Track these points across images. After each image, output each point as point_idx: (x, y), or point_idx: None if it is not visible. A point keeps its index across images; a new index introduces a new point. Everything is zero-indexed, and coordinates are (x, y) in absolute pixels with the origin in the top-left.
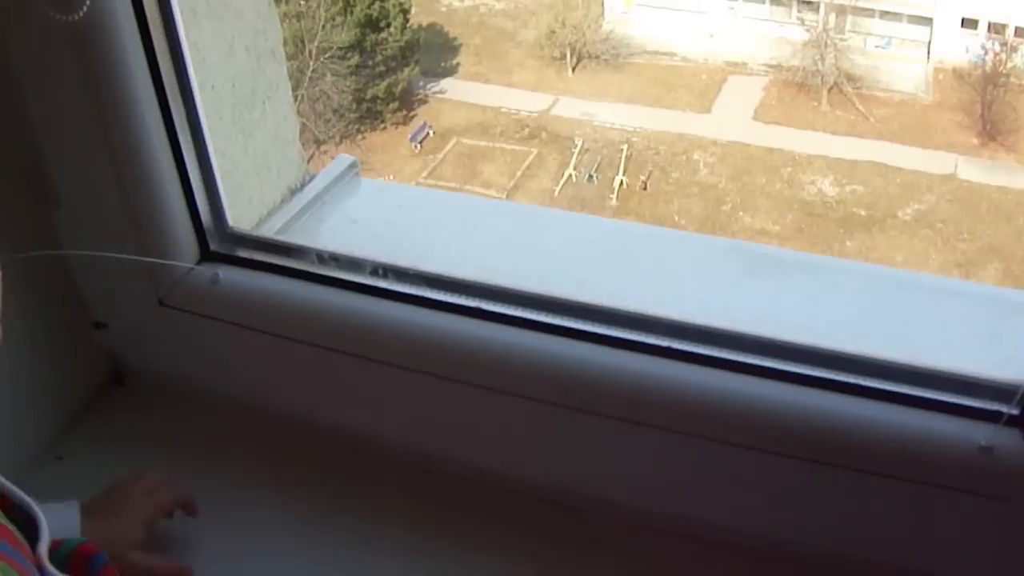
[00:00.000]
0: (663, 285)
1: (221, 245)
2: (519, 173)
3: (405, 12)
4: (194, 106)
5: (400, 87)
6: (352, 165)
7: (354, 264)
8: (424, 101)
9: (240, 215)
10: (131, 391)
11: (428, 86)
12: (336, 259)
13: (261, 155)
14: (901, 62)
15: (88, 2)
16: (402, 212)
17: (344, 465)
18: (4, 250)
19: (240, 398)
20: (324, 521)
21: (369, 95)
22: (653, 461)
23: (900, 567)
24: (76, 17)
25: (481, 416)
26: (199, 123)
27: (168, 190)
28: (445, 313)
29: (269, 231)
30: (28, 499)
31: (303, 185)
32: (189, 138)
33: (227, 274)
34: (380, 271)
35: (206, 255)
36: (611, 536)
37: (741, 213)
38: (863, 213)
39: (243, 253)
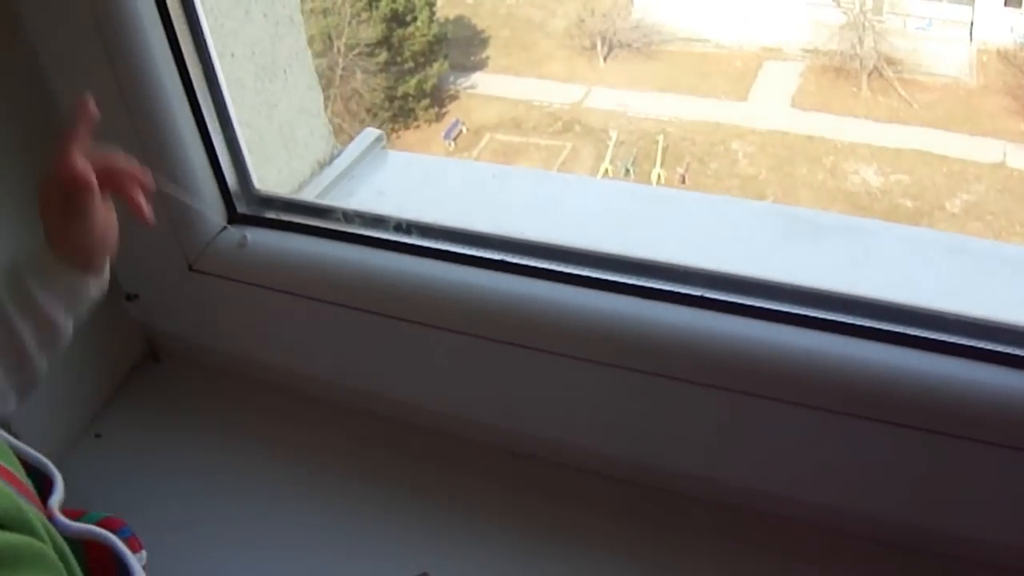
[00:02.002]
0: (702, 245)
1: (248, 207)
2: (554, 169)
3: (431, 5)
4: (214, 72)
5: (430, 83)
6: (379, 139)
7: (378, 221)
8: (455, 97)
9: (270, 188)
10: (167, 368)
11: (458, 81)
12: (360, 216)
13: (287, 127)
14: (943, 44)
15: None
16: (430, 183)
17: (382, 434)
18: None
19: (270, 363)
20: (363, 491)
21: (400, 92)
22: (715, 424)
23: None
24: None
25: (516, 375)
26: (219, 88)
27: (191, 155)
28: (476, 268)
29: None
30: (43, 459)
31: (331, 159)
32: (210, 103)
33: (255, 236)
34: (403, 227)
35: (234, 218)
36: (664, 502)
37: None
38: (909, 204)
39: (270, 215)
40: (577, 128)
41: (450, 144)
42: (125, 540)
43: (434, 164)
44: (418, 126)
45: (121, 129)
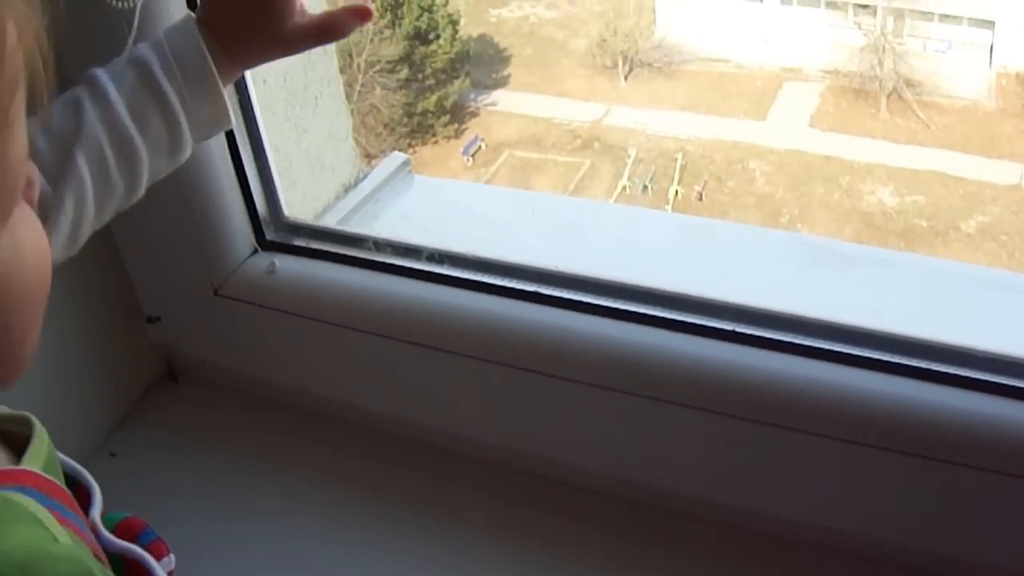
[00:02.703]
0: (722, 273)
1: (277, 234)
2: (572, 185)
3: (454, 24)
4: (248, 97)
5: (450, 100)
6: (405, 163)
7: (410, 251)
8: (475, 114)
9: (294, 211)
10: (185, 388)
11: (479, 98)
12: (392, 246)
13: (315, 151)
14: (962, 67)
15: None
16: (456, 208)
17: (406, 459)
18: None
19: (296, 389)
20: (389, 517)
21: (419, 109)
22: (727, 451)
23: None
24: (131, 5)
25: (546, 404)
26: (253, 114)
27: (223, 180)
28: (505, 299)
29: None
30: (80, 468)
31: (357, 182)
32: (243, 129)
33: (283, 263)
34: (437, 257)
35: (262, 244)
36: (686, 532)
37: (799, 224)
38: (925, 225)
39: (299, 242)
40: (596, 146)
41: (468, 160)
42: (150, 543)
43: (461, 189)
44: (436, 142)
45: None
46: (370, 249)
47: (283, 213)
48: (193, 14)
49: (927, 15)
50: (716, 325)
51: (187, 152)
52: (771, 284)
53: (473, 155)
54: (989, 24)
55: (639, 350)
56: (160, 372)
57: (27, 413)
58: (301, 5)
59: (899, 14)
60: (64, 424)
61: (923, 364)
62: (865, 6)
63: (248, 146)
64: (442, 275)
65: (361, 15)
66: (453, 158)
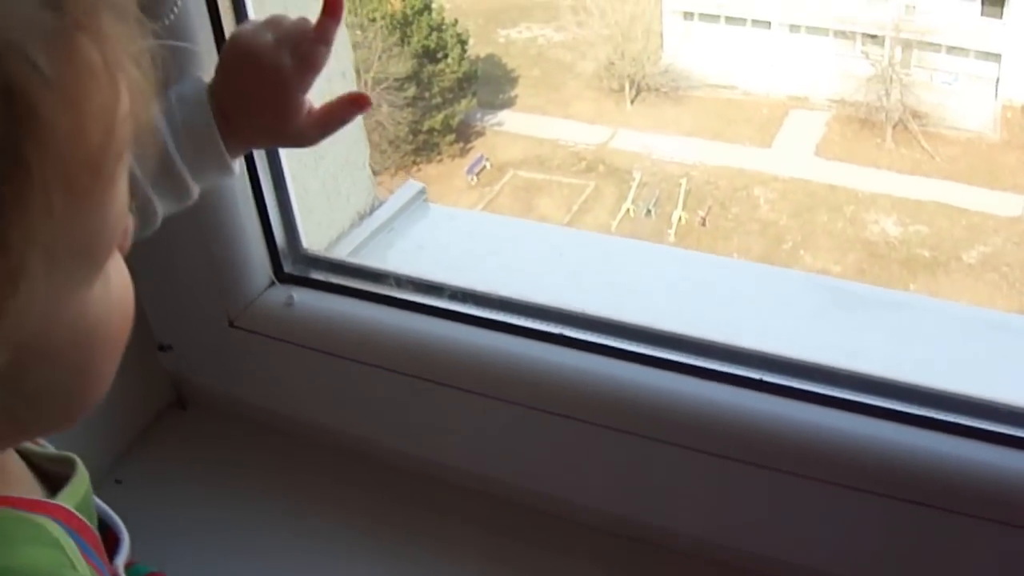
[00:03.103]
0: (743, 316)
1: (295, 267)
2: (575, 207)
3: (463, 43)
4: None
5: (457, 119)
6: (421, 192)
7: (432, 288)
8: (481, 133)
9: (309, 239)
10: (193, 416)
11: (485, 118)
12: (413, 283)
13: (332, 179)
14: (968, 99)
15: (174, 14)
16: (471, 239)
17: (416, 495)
18: None
19: (309, 422)
20: (397, 553)
21: (425, 127)
22: (735, 495)
23: None
24: (167, 21)
25: (562, 446)
26: (276, 148)
27: (242, 210)
28: (524, 339)
29: (338, 255)
30: (111, 512)
31: (372, 210)
32: (265, 160)
33: (302, 296)
34: (459, 296)
35: (280, 277)
36: (686, 572)
37: (802, 252)
38: (927, 254)
39: (318, 276)
40: (601, 168)
41: (472, 179)
42: None
43: (477, 219)
44: (441, 160)
45: None
46: (391, 285)
47: (302, 245)
48: (205, 83)
49: (935, 47)
50: (738, 372)
51: (195, 198)
52: (790, 328)
53: (478, 174)
54: (995, 57)
55: (656, 394)
56: (169, 398)
57: (72, 455)
58: (309, 104)
59: (907, 45)
60: (70, 450)
61: (941, 415)
62: (873, 36)
63: (269, 177)
64: (461, 313)
65: (359, 104)
66: (457, 177)
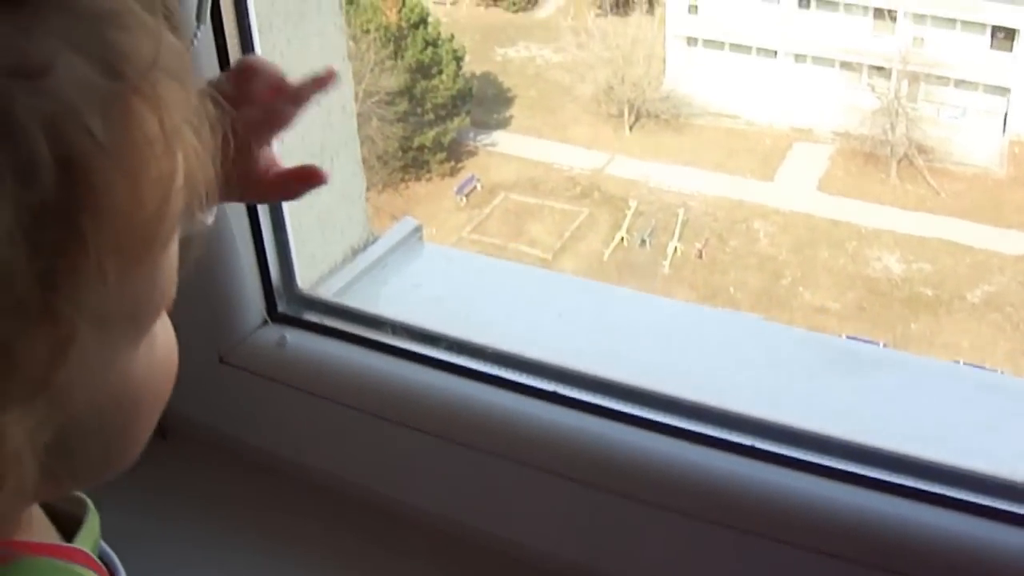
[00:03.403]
0: (737, 377)
1: (289, 307)
2: (568, 234)
3: (458, 60)
4: None
5: (449, 137)
6: (416, 229)
7: (428, 338)
8: (473, 153)
9: (301, 272)
10: (174, 445)
11: (478, 137)
12: (408, 330)
13: (326, 212)
14: (975, 134)
15: (192, 44)
16: (466, 281)
17: (396, 539)
18: None
19: (292, 460)
20: None
21: (416, 143)
22: (712, 558)
23: None
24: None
25: (547, 502)
26: None
27: (240, 246)
28: (518, 395)
29: (329, 290)
30: (113, 555)
31: (366, 246)
32: None
33: (294, 337)
34: (455, 347)
35: (272, 316)
36: None
37: (801, 288)
38: (930, 293)
39: (311, 317)
40: (596, 195)
41: (462, 200)
42: None
43: (472, 261)
44: (430, 179)
45: None
46: (386, 332)
47: (297, 285)
48: None
49: (943, 80)
50: (731, 438)
51: None
52: (784, 390)
53: (467, 195)
54: (1004, 91)
55: (644, 455)
56: None
57: (84, 496)
58: (270, 162)
59: (914, 78)
60: None
61: (934, 488)
62: (880, 68)
63: (268, 216)
64: (455, 365)
65: (312, 180)
66: (447, 197)
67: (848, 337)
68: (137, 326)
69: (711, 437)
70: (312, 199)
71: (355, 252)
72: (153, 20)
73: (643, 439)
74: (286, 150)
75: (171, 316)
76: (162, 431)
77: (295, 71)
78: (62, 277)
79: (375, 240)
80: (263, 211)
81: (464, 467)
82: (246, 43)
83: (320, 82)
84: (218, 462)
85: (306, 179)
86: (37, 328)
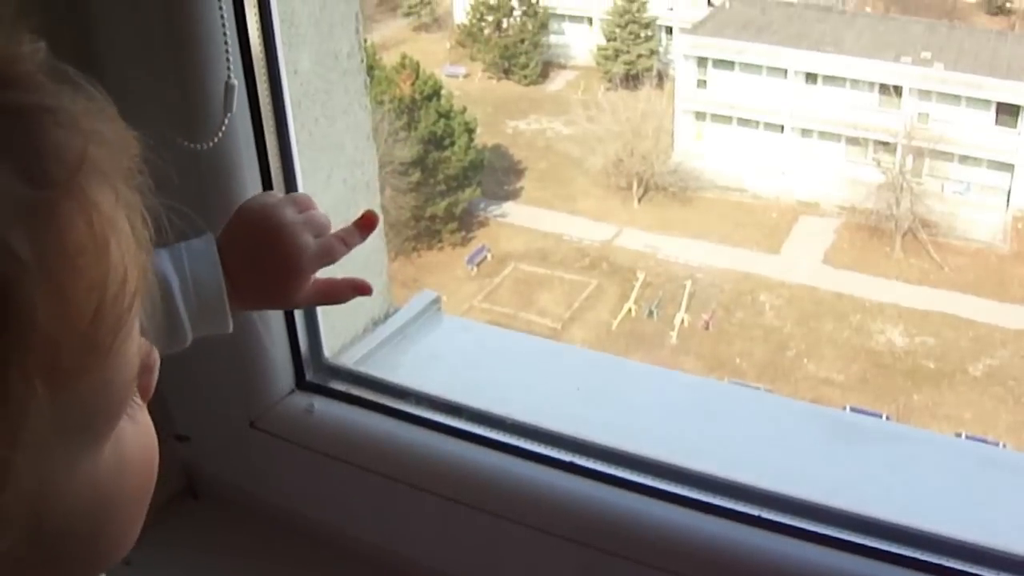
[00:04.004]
0: (744, 449)
1: (316, 375)
2: (576, 304)
3: (470, 132)
4: None
5: (460, 207)
6: (435, 301)
7: (449, 408)
8: (484, 223)
9: (326, 344)
10: (205, 505)
11: (489, 208)
12: (430, 401)
13: None
14: (979, 209)
15: (220, 135)
16: (484, 353)
17: None
18: None
19: (319, 523)
20: None
21: (428, 213)
22: None
23: None
24: (206, 147)
25: (563, 567)
26: None
27: (271, 318)
28: (535, 464)
29: (350, 360)
30: None
31: (386, 317)
32: None
33: (322, 405)
34: (476, 417)
35: (301, 384)
36: None
37: (805, 360)
38: (932, 366)
39: (337, 385)
40: (604, 266)
41: (473, 269)
42: None
43: (490, 334)
44: (441, 248)
45: None
46: (410, 402)
47: (324, 355)
48: (214, 240)
49: (947, 155)
50: (738, 508)
51: (187, 345)
52: (789, 461)
53: (478, 265)
54: (1008, 167)
55: (665, 527)
56: (180, 486)
57: None
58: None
59: (919, 153)
60: None
61: (936, 559)
62: (885, 143)
63: None
64: (479, 435)
65: (361, 289)
66: (458, 266)
67: (851, 408)
68: (94, 432)
69: (720, 507)
70: (334, 272)
71: (376, 323)
72: (85, 106)
73: (655, 508)
74: None
75: (204, 383)
76: (194, 492)
77: (323, 147)
78: None
79: (395, 311)
80: None
81: (482, 532)
82: (280, 121)
83: (364, 228)
84: (247, 522)
85: (357, 289)
86: None
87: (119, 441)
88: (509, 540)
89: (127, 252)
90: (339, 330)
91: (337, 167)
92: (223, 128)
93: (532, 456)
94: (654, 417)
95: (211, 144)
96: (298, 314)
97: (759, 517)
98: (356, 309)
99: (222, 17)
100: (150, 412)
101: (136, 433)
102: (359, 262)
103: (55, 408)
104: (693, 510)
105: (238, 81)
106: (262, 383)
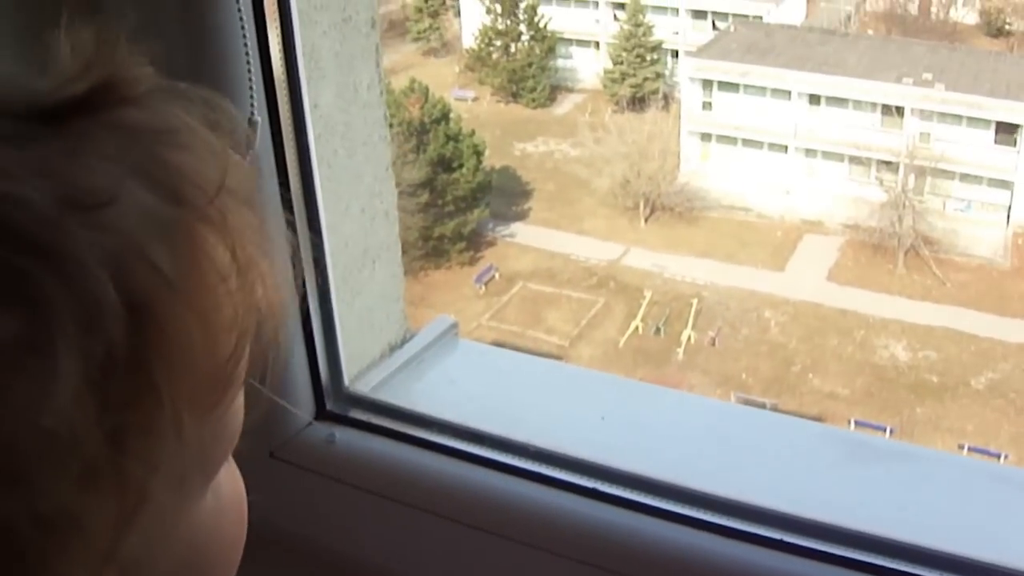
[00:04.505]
0: (761, 471)
1: (336, 405)
2: (584, 322)
3: (479, 154)
4: (325, 269)
5: (468, 228)
6: (452, 326)
7: (475, 436)
8: (492, 243)
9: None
10: None
11: (497, 228)
12: (451, 428)
13: (367, 312)
14: (980, 226)
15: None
16: (501, 377)
17: None
18: None
19: (339, 552)
20: None
21: (436, 233)
22: None
23: None
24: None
25: None
26: (328, 285)
27: (291, 347)
28: (556, 490)
29: (367, 386)
30: None
31: (403, 342)
32: (316, 299)
33: (342, 435)
34: (498, 444)
35: (321, 413)
36: None
37: (810, 375)
38: (935, 380)
39: (358, 415)
40: (612, 284)
41: (480, 288)
42: None
43: (506, 358)
44: (449, 267)
45: None
46: (432, 430)
47: (344, 384)
48: None
49: (948, 174)
50: (759, 532)
51: None
52: (808, 484)
53: (486, 284)
54: (1008, 184)
55: (686, 553)
56: None
57: None
58: None
59: (921, 172)
60: None
61: None
62: (888, 163)
63: (319, 318)
64: (500, 462)
65: None
66: (466, 285)
67: (856, 422)
68: (205, 473)
69: (742, 531)
70: (353, 300)
71: (393, 348)
72: (215, 137)
73: (677, 533)
74: (332, 256)
75: None
76: None
77: (342, 179)
78: (134, 436)
79: (412, 336)
80: (314, 313)
81: (505, 559)
82: (303, 154)
83: None
84: (267, 551)
85: None
86: (105, 496)
87: (218, 487)
88: (532, 567)
89: (268, 281)
90: (357, 356)
91: (356, 197)
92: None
93: (554, 483)
94: (672, 441)
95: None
96: (320, 344)
97: (781, 541)
98: (374, 334)
99: (247, 53)
100: None
101: (230, 480)
102: (376, 290)
103: (189, 445)
104: (714, 534)
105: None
106: (282, 414)
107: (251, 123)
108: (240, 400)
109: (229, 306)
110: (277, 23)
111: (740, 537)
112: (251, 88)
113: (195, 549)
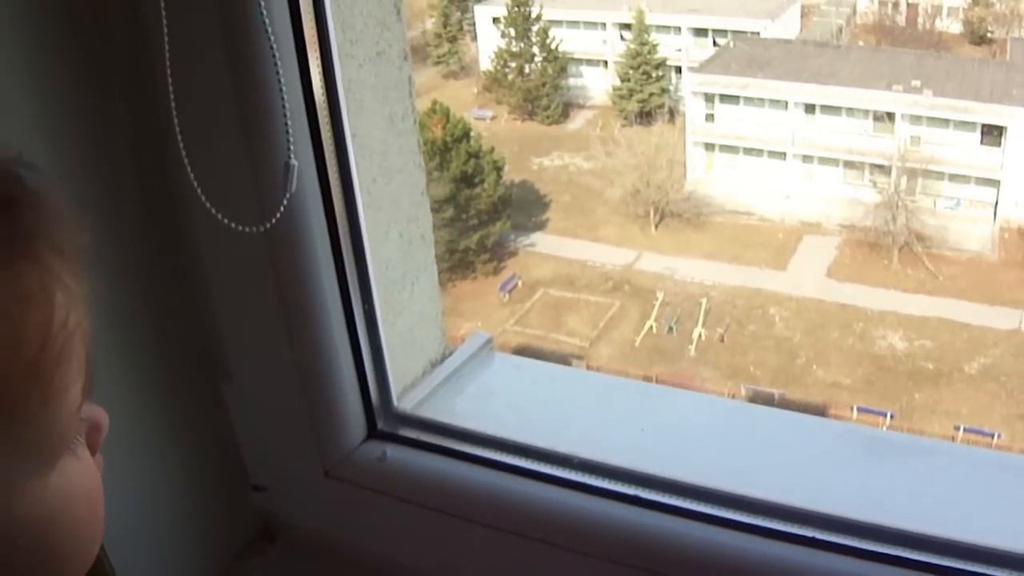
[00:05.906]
0: (787, 469)
1: (387, 423)
2: (602, 324)
3: (499, 169)
4: (370, 294)
5: (491, 240)
6: (487, 341)
7: (519, 449)
8: (514, 253)
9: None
10: (281, 549)
11: (518, 239)
12: (500, 443)
13: (408, 332)
14: (969, 222)
15: (279, 214)
16: (537, 388)
17: None
18: (174, 415)
19: (394, 564)
20: None
21: (461, 246)
22: None
23: None
24: (266, 228)
25: None
26: (374, 310)
27: (343, 371)
28: (600, 498)
29: (411, 403)
30: None
31: (443, 359)
32: (364, 324)
33: (394, 452)
34: (543, 456)
35: (373, 432)
36: None
37: (814, 366)
38: (931, 367)
39: (408, 433)
40: (626, 288)
41: (505, 296)
42: None
43: (541, 370)
44: (475, 278)
45: (276, 344)
46: (479, 445)
47: (394, 404)
48: None
49: (938, 175)
50: (791, 530)
51: None
52: (832, 480)
53: (510, 292)
54: (994, 183)
55: (728, 554)
56: (256, 530)
57: None
58: None
59: (912, 173)
60: (165, 568)
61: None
62: (880, 166)
63: (368, 341)
64: (548, 475)
65: None
66: (491, 294)
67: (859, 408)
68: (39, 457)
69: (775, 530)
70: (395, 320)
71: (433, 365)
72: (48, 193)
73: (714, 534)
74: (374, 280)
75: (279, 436)
76: (269, 535)
77: (381, 205)
78: None
79: (451, 353)
80: (362, 337)
81: (555, 566)
82: (346, 184)
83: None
84: (322, 564)
85: None
86: None
87: (64, 472)
88: (581, 572)
89: (70, 303)
90: (400, 374)
91: (394, 223)
92: (283, 206)
93: (597, 491)
94: (703, 445)
95: (269, 224)
96: (369, 366)
97: (813, 538)
98: (416, 353)
99: (283, 96)
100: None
101: (80, 467)
102: (416, 310)
103: (3, 431)
104: (750, 534)
105: (298, 161)
106: (336, 435)
107: (287, 167)
108: (68, 397)
109: (33, 318)
110: (318, 57)
111: (775, 536)
112: (288, 130)
113: (41, 522)
